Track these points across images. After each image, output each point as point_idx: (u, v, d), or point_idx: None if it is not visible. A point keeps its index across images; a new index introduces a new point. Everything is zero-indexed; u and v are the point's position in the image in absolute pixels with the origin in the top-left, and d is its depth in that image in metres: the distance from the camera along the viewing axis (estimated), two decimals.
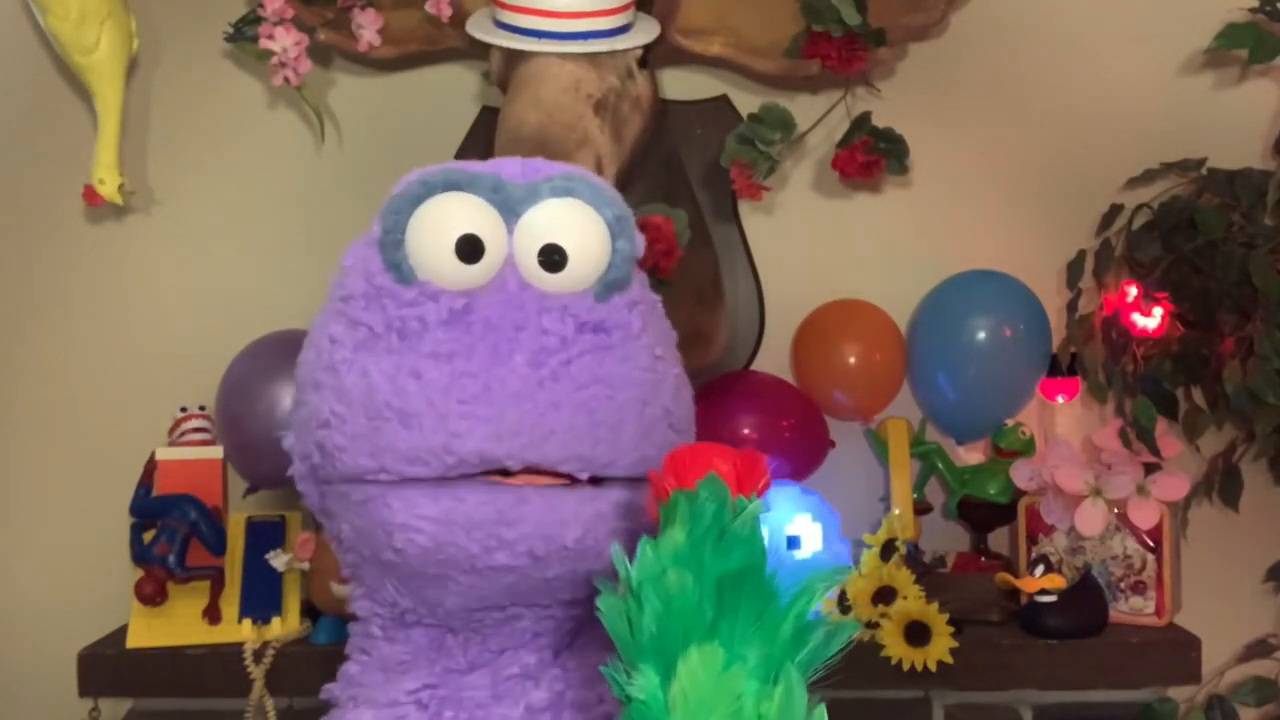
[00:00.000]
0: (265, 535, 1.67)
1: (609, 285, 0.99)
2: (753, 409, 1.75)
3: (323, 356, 1.00)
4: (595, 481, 0.98)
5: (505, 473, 0.96)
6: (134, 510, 1.62)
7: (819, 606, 0.76)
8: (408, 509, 0.95)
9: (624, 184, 1.61)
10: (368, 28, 1.69)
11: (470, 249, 0.96)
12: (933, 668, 1.51)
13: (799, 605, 0.74)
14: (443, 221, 0.97)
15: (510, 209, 0.98)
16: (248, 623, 1.62)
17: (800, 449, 1.76)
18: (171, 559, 1.59)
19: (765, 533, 0.77)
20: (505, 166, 1.01)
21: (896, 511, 1.76)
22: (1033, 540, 1.71)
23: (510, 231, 0.98)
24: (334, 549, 1.09)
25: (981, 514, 1.79)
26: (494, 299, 0.96)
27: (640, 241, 1.02)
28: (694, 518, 0.75)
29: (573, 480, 0.98)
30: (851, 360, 1.81)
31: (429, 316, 0.95)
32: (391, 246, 0.97)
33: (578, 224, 0.98)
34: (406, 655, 1.05)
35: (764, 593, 0.73)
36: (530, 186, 0.99)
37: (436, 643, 1.05)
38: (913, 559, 1.65)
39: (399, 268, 0.97)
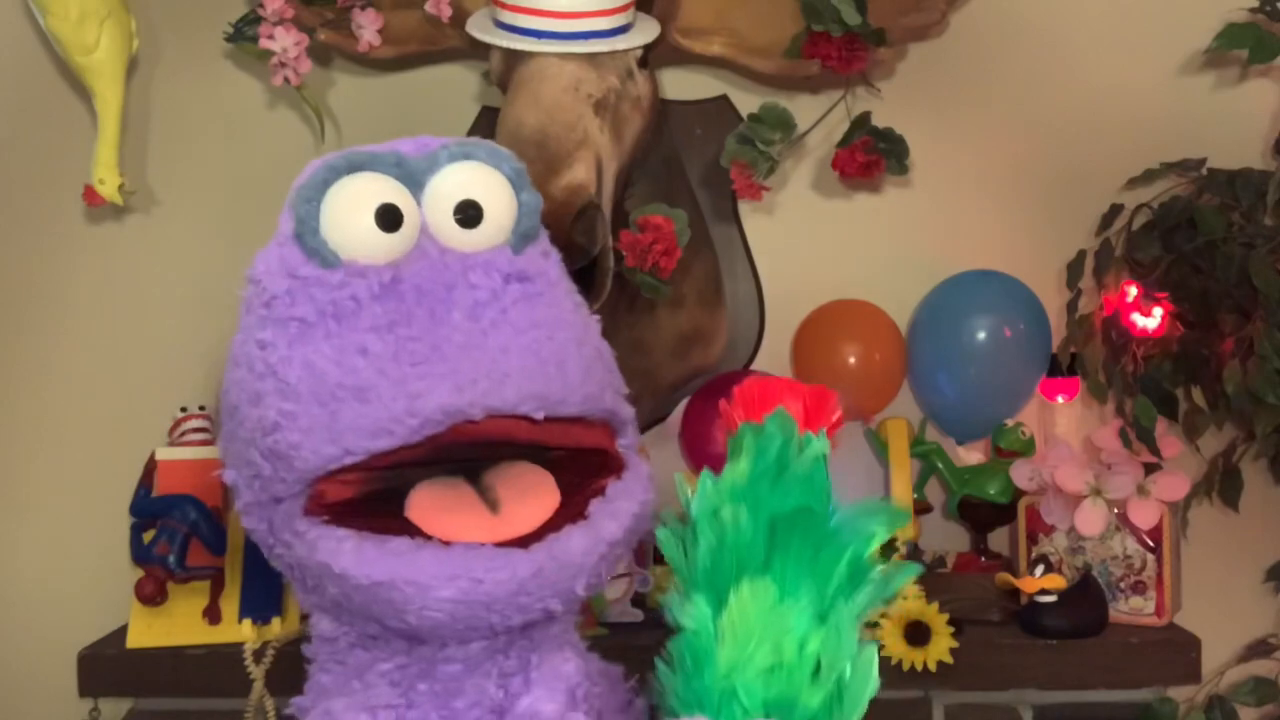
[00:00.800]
0: None
1: (523, 236, 1.01)
2: None
3: (255, 366, 1.00)
4: (551, 420, 0.97)
5: (469, 425, 0.95)
6: (134, 510, 1.62)
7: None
8: (421, 595, 0.94)
9: (624, 184, 1.61)
10: (368, 28, 1.69)
11: (390, 217, 0.97)
12: (933, 668, 1.51)
13: (855, 547, 0.74)
14: (355, 199, 0.98)
15: (414, 180, 1.00)
16: (248, 623, 1.62)
17: None
18: (171, 559, 1.59)
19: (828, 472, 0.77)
20: (401, 144, 1.03)
21: None
22: (1033, 540, 1.71)
23: (419, 201, 0.99)
24: (297, 589, 1.08)
25: (981, 514, 1.79)
26: (419, 266, 0.97)
27: (534, 192, 1.04)
28: (758, 452, 0.76)
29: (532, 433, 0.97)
30: (851, 360, 1.81)
31: (360, 294, 0.96)
32: (309, 235, 0.98)
33: (481, 181, 1.01)
34: (385, 661, 1.04)
35: (820, 532, 0.74)
36: (429, 156, 1.01)
37: (408, 649, 1.04)
38: (913, 559, 1.65)
39: (320, 254, 0.98)
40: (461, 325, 0.96)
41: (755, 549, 0.73)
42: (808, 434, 0.77)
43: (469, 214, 0.99)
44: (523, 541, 0.96)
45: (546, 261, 1.03)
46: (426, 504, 0.99)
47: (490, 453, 1.00)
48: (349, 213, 0.98)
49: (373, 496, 0.99)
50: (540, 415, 0.96)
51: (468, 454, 0.99)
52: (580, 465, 1.00)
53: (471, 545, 0.95)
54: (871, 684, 0.76)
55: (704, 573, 0.74)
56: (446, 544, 0.96)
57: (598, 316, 1.07)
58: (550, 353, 0.97)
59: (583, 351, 1.00)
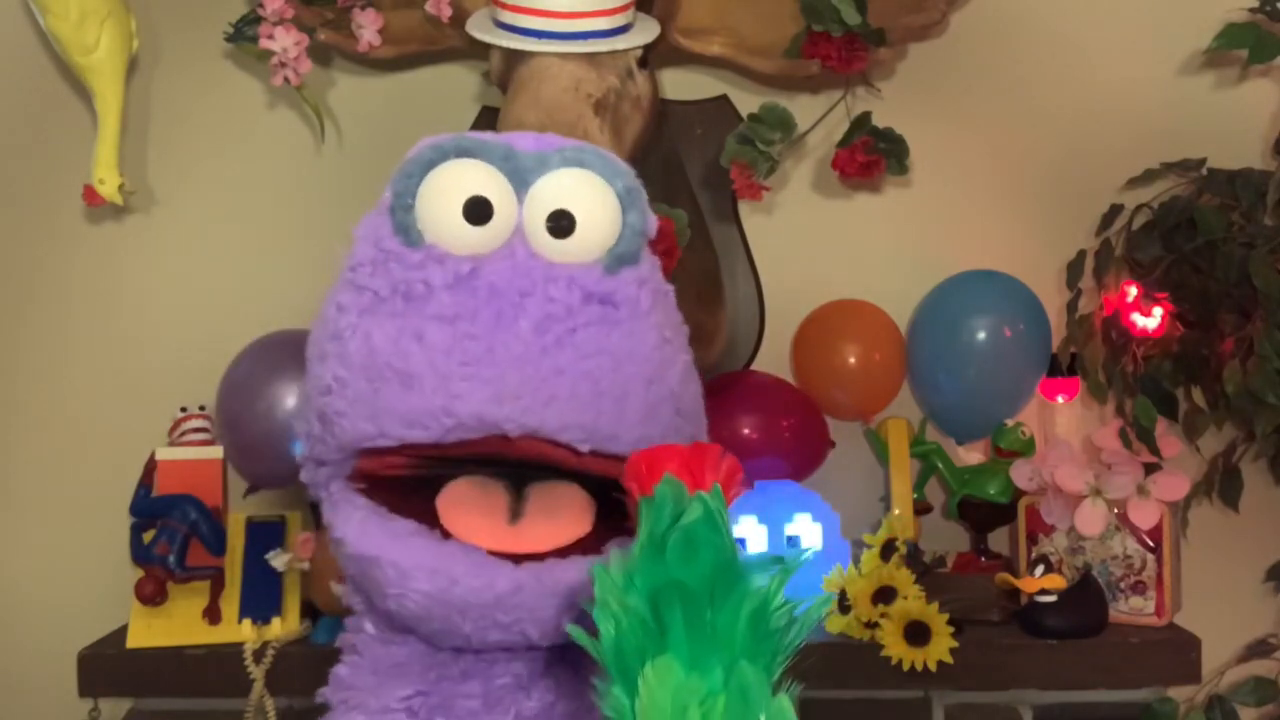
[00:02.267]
0: (265, 535, 1.66)
1: (618, 258, 0.97)
2: (753, 409, 1.75)
3: (328, 325, 0.99)
4: (597, 455, 0.96)
5: (500, 444, 0.94)
6: (134, 510, 1.62)
7: (796, 595, 0.75)
8: (400, 579, 0.94)
9: None
10: (368, 28, 1.69)
11: (478, 211, 0.95)
12: (933, 668, 1.51)
13: (750, 603, 0.74)
14: (452, 185, 0.96)
15: (520, 178, 0.97)
16: (248, 623, 1.62)
17: (800, 449, 1.76)
18: (171, 559, 1.59)
19: (730, 525, 0.77)
20: (518, 138, 1.00)
21: (896, 511, 1.76)
22: (1033, 540, 1.71)
23: (520, 201, 0.96)
24: (331, 549, 1.07)
25: (981, 514, 1.79)
26: (501, 265, 0.94)
27: (653, 220, 1.00)
28: (651, 525, 0.75)
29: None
30: (851, 360, 1.81)
31: (434, 280, 0.94)
32: (402, 210, 0.96)
33: (587, 193, 0.97)
34: (401, 658, 1.04)
35: (699, 601, 0.73)
36: (540, 156, 0.98)
37: (432, 648, 1.03)
38: (913, 559, 1.65)
39: (407, 231, 0.96)
40: (524, 335, 0.93)
41: (650, 628, 0.73)
42: (698, 494, 0.76)
43: (560, 224, 0.96)
44: (518, 560, 0.95)
45: (640, 290, 0.98)
46: (455, 497, 0.99)
47: (544, 468, 0.97)
48: (442, 198, 0.96)
49: (418, 480, 0.99)
50: (585, 448, 0.94)
51: (520, 462, 0.97)
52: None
53: (466, 547, 0.95)
54: None
55: (614, 661, 0.73)
56: (445, 537, 0.96)
57: (689, 359, 1.04)
58: (611, 385, 0.94)
59: (651, 390, 0.97)
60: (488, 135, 1.00)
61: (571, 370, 0.93)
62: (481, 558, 0.94)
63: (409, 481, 0.99)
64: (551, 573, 0.95)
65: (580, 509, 0.99)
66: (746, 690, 0.72)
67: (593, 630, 0.74)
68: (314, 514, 1.65)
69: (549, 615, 0.95)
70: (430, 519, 0.97)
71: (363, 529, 0.97)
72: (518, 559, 0.95)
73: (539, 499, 0.99)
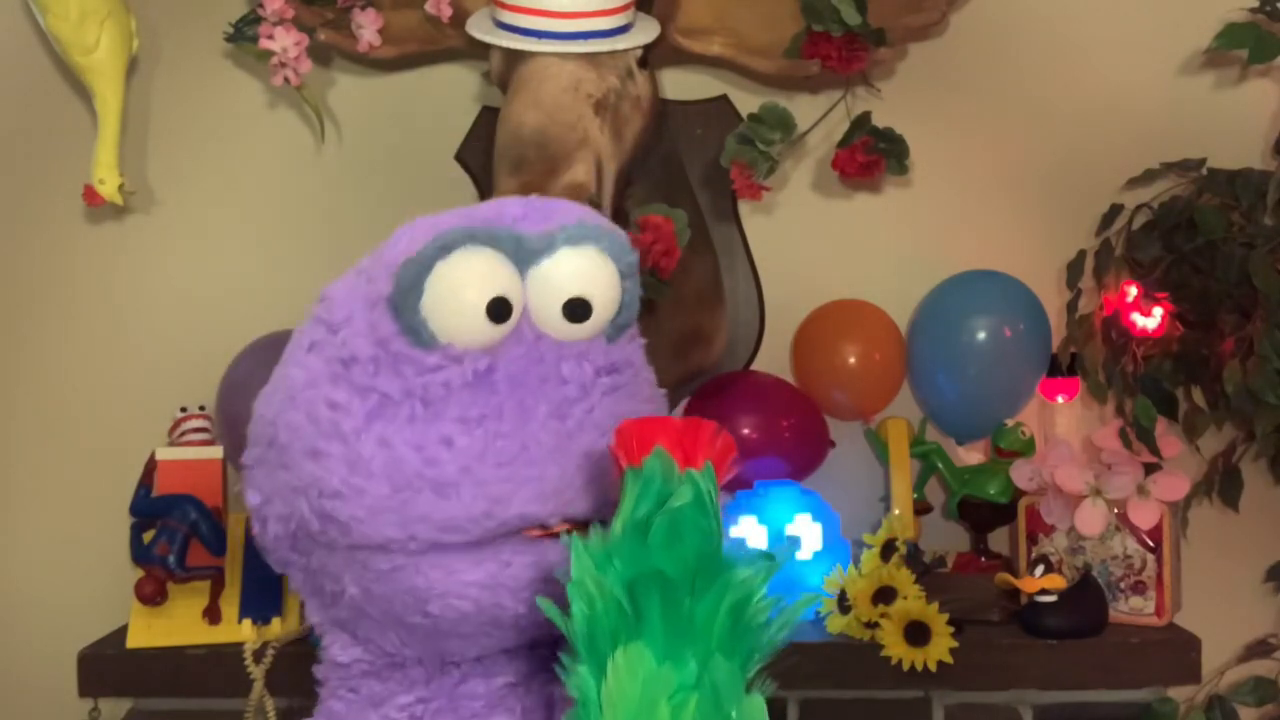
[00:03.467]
0: None
1: (620, 328, 0.97)
2: (753, 409, 1.75)
3: (321, 423, 0.92)
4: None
5: (543, 526, 0.93)
6: (134, 510, 1.62)
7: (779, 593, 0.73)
8: (446, 578, 0.91)
9: (624, 184, 1.61)
10: (368, 28, 1.69)
11: (501, 310, 0.91)
12: (933, 668, 1.51)
13: (732, 598, 0.72)
14: (465, 282, 0.90)
15: (525, 260, 0.93)
16: (248, 623, 1.62)
17: (800, 449, 1.76)
18: (171, 559, 1.59)
19: (718, 509, 0.75)
20: (509, 210, 0.95)
21: (896, 511, 1.76)
22: (1033, 540, 1.71)
23: (524, 279, 0.93)
24: (313, 605, 1.04)
25: (981, 514, 1.79)
26: (514, 354, 0.92)
27: (638, 285, 1.00)
28: (635, 502, 0.73)
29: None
30: (851, 360, 1.81)
31: (454, 380, 0.90)
32: (409, 311, 0.90)
33: (594, 273, 0.95)
34: (399, 689, 1.02)
35: (699, 583, 0.71)
36: (545, 237, 0.93)
37: (432, 673, 1.02)
38: (913, 559, 1.65)
39: (418, 332, 0.90)
40: (549, 424, 0.91)
41: (625, 613, 0.71)
42: (689, 473, 0.74)
43: (577, 311, 0.93)
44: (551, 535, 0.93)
45: (633, 347, 0.99)
46: None
47: None
48: (456, 296, 0.90)
49: None
50: (610, 514, 0.92)
51: None
52: None
53: (500, 536, 0.92)
54: None
55: (584, 641, 0.71)
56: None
57: (665, 394, 1.05)
58: None
59: None
60: (486, 215, 0.95)
61: (596, 451, 0.92)
62: (521, 538, 0.92)
63: None
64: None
65: None
66: (720, 687, 0.71)
67: (565, 605, 0.72)
68: None
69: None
70: None
71: (392, 558, 0.93)
72: (550, 536, 0.93)
73: None
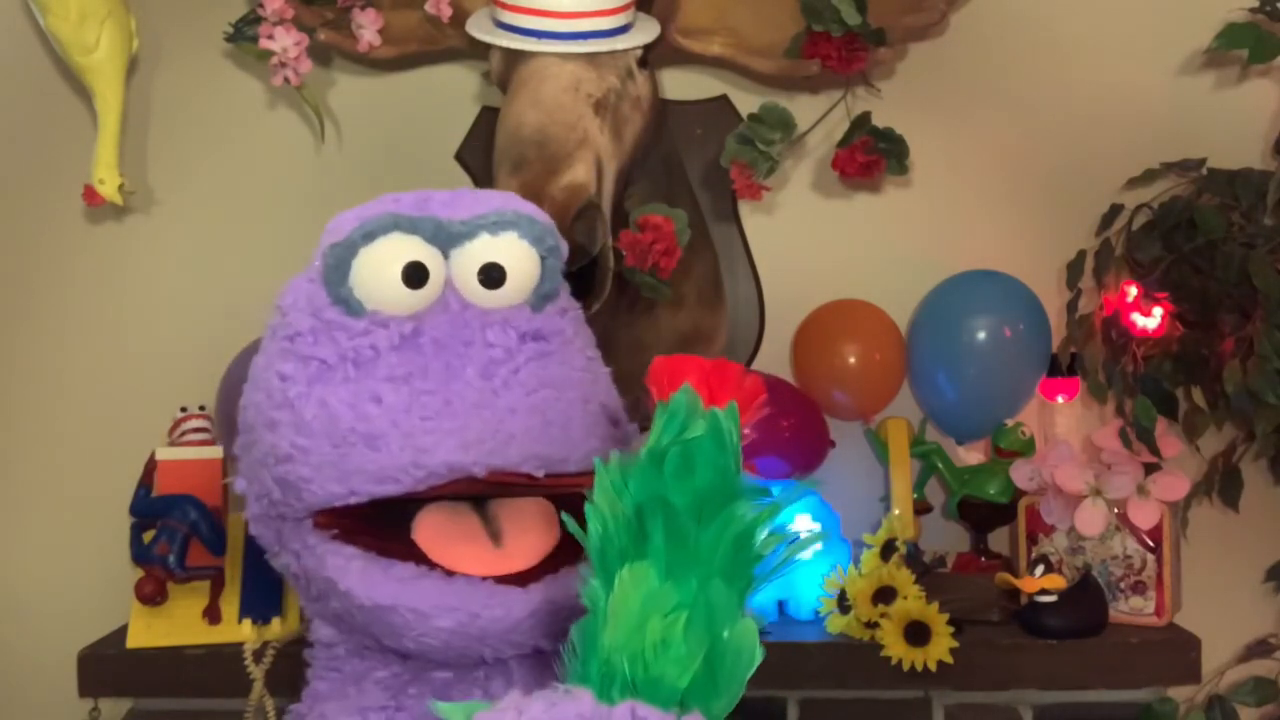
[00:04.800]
0: None
1: (543, 296, 1.05)
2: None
3: (274, 395, 1.03)
4: (552, 476, 1.00)
5: (472, 481, 0.98)
6: (134, 510, 1.62)
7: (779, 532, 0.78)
8: (421, 622, 0.99)
9: (624, 184, 1.61)
10: (368, 28, 1.69)
11: (416, 275, 1.01)
12: (933, 668, 1.51)
13: (734, 527, 0.76)
14: (385, 258, 1.02)
15: (449, 242, 1.03)
16: (248, 623, 1.62)
17: (800, 449, 1.76)
18: (171, 559, 1.59)
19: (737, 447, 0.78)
20: (434, 200, 1.06)
21: (896, 511, 1.76)
22: (1033, 540, 1.71)
23: (447, 258, 1.03)
24: (292, 584, 1.13)
25: (981, 514, 1.79)
26: (439, 320, 1.01)
27: (564, 247, 1.08)
28: (660, 432, 0.77)
29: (534, 480, 1.00)
30: (851, 360, 1.81)
31: (381, 343, 1.00)
32: (337, 283, 1.02)
33: (511, 249, 1.04)
34: (380, 669, 1.08)
35: (707, 512, 0.76)
36: (467, 224, 1.04)
37: (400, 657, 1.07)
38: (913, 559, 1.65)
39: (346, 302, 1.02)
40: (474, 383, 0.99)
41: (634, 533, 0.76)
42: (712, 410, 0.78)
43: (491, 275, 1.03)
44: (521, 579, 1.00)
45: (563, 319, 1.07)
46: (433, 530, 1.02)
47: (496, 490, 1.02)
48: (378, 269, 1.01)
49: (382, 511, 1.02)
50: (541, 474, 1.00)
51: (493, 484, 1.01)
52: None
53: (472, 579, 0.99)
54: (746, 661, 0.76)
55: (597, 557, 0.76)
56: (449, 574, 1.00)
57: (609, 370, 1.11)
58: (557, 414, 1.01)
59: (588, 409, 1.04)
60: (409, 205, 1.05)
61: (521, 407, 1.00)
62: (493, 588, 1.00)
63: (374, 514, 1.02)
64: (559, 588, 1.00)
65: (545, 517, 1.05)
66: (715, 608, 0.75)
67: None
68: None
69: (561, 627, 0.95)
70: (417, 555, 1.01)
71: (366, 579, 1.01)
72: (521, 580, 1.00)
73: (507, 517, 1.04)
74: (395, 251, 1.01)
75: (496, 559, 1.01)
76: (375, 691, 1.07)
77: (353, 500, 0.99)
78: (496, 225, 1.04)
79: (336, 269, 1.02)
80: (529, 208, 1.08)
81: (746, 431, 0.80)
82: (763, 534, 0.77)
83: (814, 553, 1.66)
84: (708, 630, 0.75)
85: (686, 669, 0.74)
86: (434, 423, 0.97)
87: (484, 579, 1.00)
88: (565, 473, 1.01)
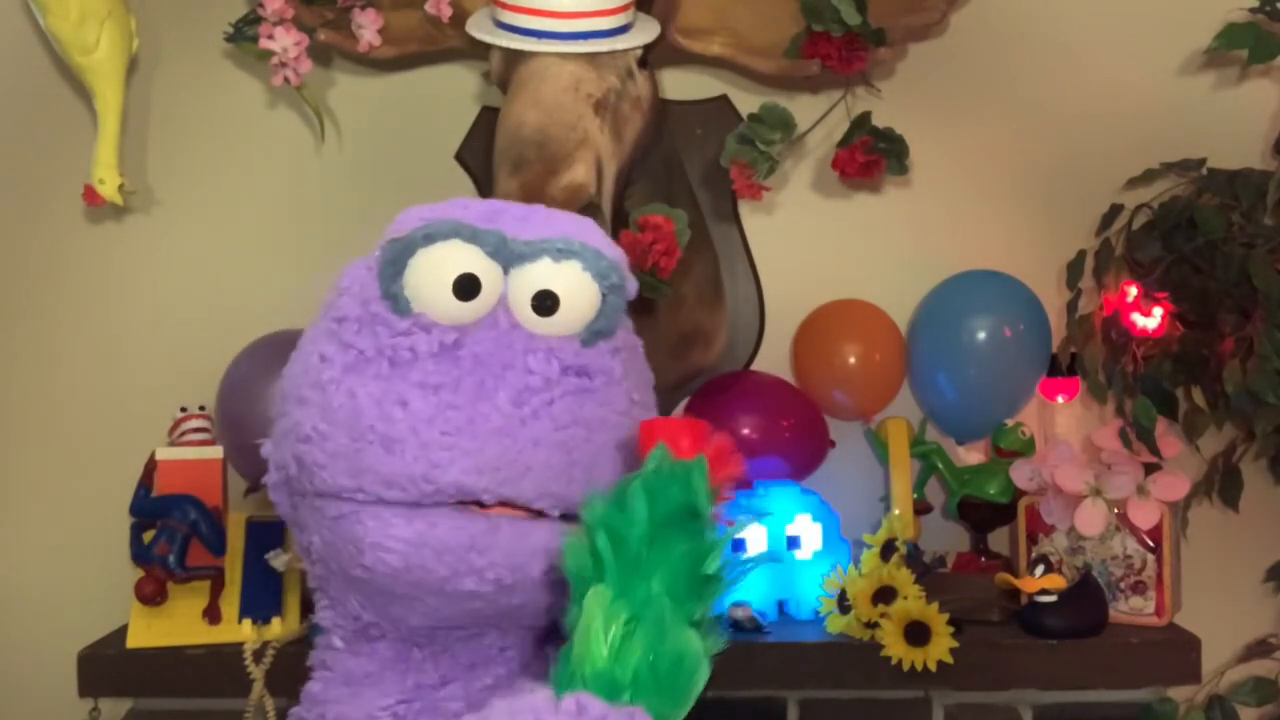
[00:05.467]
0: (265, 535, 1.66)
1: (596, 333, 1.02)
2: (753, 409, 1.75)
3: (310, 373, 1.03)
4: (567, 518, 1.00)
5: (480, 504, 0.98)
6: (134, 510, 1.62)
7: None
8: (381, 528, 0.98)
9: (624, 184, 1.61)
10: (368, 28, 1.69)
11: (468, 287, 0.99)
12: (933, 668, 1.51)
13: (680, 549, 0.86)
14: (443, 264, 1.00)
15: (510, 261, 1.01)
16: (248, 623, 1.62)
17: (800, 449, 1.76)
18: (171, 559, 1.59)
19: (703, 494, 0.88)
20: (508, 214, 1.04)
21: (896, 511, 1.76)
22: (1033, 540, 1.71)
23: (506, 274, 1.01)
24: (302, 560, 1.12)
25: (981, 514, 1.79)
26: (484, 336, 0.99)
27: (632, 288, 1.06)
28: (632, 479, 0.89)
29: (543, 514, 1.00)
30: (851, 360, 1.81)
31: (420, 347, 0.98)
32: (389, 279, 1.00)
33: (570, 279, 1.02)
34: (372, 668, 1.07)
35: (659, 537, 0.87)
36: (532, 245, 1.01)
37: (402, 656, 1.07)
38: (913, 559, 1.65)
39: (395, 299, 1.00)
40: (503, 407, 0.98)
41: (595, 560, 0.87)
42: (659, 456, 0.89)
43: (545, 303, 1.01)
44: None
45: (614, 359, 1.04)
46: None
47: None
48: (432, 273, 1.00)
49: None
50: (555, 514, 0.99)
51: None
52: None
53: (440, 506, 0.98)
54: (689, 668, 0.86)
55: (575, 584, 0.87)
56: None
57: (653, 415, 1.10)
58: (583, 454, 1.00)
59: (619, 455, 1.02)
60: (479, 214, 1.03)
61: (547, 441, 0.98)
62: (458, 507, 0.98)
63: None
64: (525, 524, 0.99)
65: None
66: (662, 621, 0.85)
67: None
68: None
69: (520, 561, 0.98)
70: None
71: (340, 506, 1.00)
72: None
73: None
74: (452, 259, 1.00)
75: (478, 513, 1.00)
76: (373, 695, 1.06)
77: (359, 496, 0.98)
78: (561, 252, 1.01)
79: (392, 264, 1.00)
80: (600, 240, 1.05)
81: (725, 477, 0.91)
82: (715, 561, 0.87)
83: (814, 553, 1.66)
84: (657, 638, 0.84)
85: (629, 667, 0.83)
86: (453, 439, 0.96)
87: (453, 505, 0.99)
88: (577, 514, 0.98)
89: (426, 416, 0.97)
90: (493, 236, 1.00)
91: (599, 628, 0.85)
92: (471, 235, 1.00)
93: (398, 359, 0.99)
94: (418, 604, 1.01)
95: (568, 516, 0.99)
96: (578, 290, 1.01)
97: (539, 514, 1.00)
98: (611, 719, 0.83)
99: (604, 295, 1.02)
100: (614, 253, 1.05)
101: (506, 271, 1.01)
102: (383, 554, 0.98)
